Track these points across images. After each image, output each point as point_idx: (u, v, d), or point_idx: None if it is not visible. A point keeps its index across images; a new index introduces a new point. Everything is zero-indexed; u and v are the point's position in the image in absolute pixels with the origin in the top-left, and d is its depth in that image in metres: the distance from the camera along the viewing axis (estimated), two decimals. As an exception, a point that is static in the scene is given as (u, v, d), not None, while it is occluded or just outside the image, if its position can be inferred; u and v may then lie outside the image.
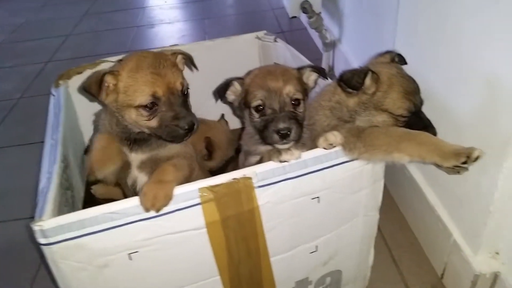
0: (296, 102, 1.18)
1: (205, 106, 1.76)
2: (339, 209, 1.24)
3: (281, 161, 1.08)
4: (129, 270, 1.09)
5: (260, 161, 1.14)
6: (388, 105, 1.15)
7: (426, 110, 1.20)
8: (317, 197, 1.17)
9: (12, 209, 2.03)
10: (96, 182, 1.43)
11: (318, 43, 3.01)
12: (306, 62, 1.50)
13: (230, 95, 1.28)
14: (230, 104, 1.35)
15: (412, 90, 1.15)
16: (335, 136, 1.10)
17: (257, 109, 1.18)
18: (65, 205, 1.18)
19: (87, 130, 1.71)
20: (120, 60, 1.29)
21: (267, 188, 1.09)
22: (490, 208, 1.26)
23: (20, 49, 3.74)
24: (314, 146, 1.13)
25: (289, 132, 1.12)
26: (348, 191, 1.21)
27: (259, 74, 1.23)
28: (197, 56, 1.77)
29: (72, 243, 0.99)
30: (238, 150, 1.53)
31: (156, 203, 1.00)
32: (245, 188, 1.07)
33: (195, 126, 1.21)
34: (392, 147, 1.05)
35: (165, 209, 1.01)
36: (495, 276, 1.34)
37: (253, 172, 1.06)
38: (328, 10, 2.74)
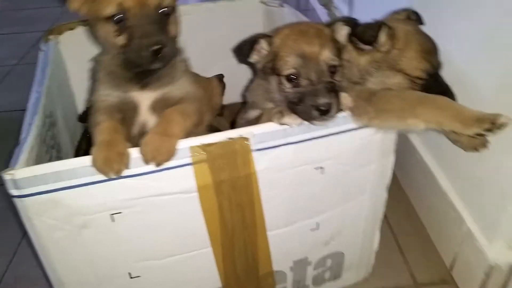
0: (333, 70, 1.02)
1: (204, 71, 1.66)
2: (344, 184, 1.13)
3: (281, 124, 0.97)
4: (111, 233, 1.00)
5: (259, 118, 1.04)
6: (404, 65, 1.04)
7: (444, 77, 1.10)
8: (321, 167, 1.07)
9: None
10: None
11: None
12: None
13: (254, 55, 1.11)
14: (250, 64, 1.18)
15: (430, 49, 1.05)
16: (344, 98, 1.00)
17: (289, 78, 1.03)
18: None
19: (79, 91, 1.62)
20: None
21: (265, 152, 0.99)
22: (510, 192, 1.15)
23: (19, 17, 3.68)
24: None
25: (329, 108, 0.96)
26: (355, 163, 1.10)
27: (290, 34, 1.05)
28: (196, 18, 1.69)
29: (47, 197, 0.90)
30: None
31: (157, 156, 0.91)
32: (242, 150, 0.97)
33: (165, 49, 1.01)
34: (407, 112, 0.95)
35: (152, 167, 0.92)
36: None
37: (251, 132, 0.96)
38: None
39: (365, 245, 1.32)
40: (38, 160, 0.99)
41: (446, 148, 1.38)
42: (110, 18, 1.02)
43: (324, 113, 0.96)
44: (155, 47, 1.00)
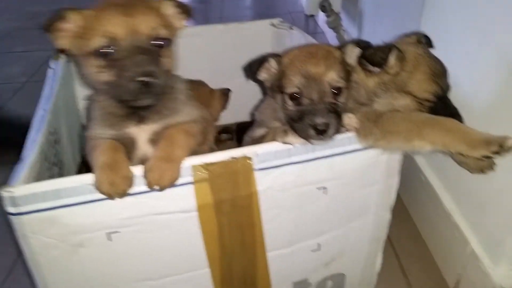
0: (337, 91, 1.01)
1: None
2: (347, 204, 1.11)
3: (285, 143, 0.96)
4: (108, 252, 0.97)
5: (264, 137, 1.02)
6: (413, 87, 1.02)
7: (452, 99, 1.08)
8: (324, 188, 1.05)
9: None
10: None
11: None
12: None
13: (263, 73, 1.12)
14: (259, 82, 1.18)
15: (440, 72, 1.04)
16: (350, 119, 0.99)
17: (292, 96, 1.02)
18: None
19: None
20: None
21: (268, 171, 0.97)
22: (516, 214, 1.13)
23: (33, 35, 3.67)
24: None
25: (326, 128, 0.95)
26: (359, 184, 1.08)
27: (299, 55, 1.06)
28: (208, 39, 1.71)
29: (44, 215, 0.87)
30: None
31: (161, 182, 0.89)
32: (244, 169, 0.95)
33: (155, 81, 0.91)
34: (413, 134, 0.93)
35: (152, 185, 0.90)
36: (517, 292, 1.21)
37: (254, 152, 0.95)
38: (347, 10, 2.64)
39: (367, 267, 1.29)
40: (39, 177, 0.96)
41: (451, 169, 1.36)
42: (97, 52, 0.93)
43: (321, 132, 0.95)
44: (144, 79, 0.90)
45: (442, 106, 1.02)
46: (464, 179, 1.34)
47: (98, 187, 0.87)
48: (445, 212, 1.44)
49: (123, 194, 0.88)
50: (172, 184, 0.90)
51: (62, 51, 1.06)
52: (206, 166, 0.92)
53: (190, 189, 0.93)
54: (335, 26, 2.45)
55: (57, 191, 0.86)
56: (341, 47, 1.07)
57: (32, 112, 1.15)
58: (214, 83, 1.68)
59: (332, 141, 0.98)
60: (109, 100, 1.03)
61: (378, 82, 1.06)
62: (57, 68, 1.44)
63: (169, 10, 1.06)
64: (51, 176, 1.12)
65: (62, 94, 1.35)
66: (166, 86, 0.98)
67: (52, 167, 1.15)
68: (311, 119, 0.96)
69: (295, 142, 0.97)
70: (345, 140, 1.00)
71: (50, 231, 0.90)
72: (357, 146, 1.01)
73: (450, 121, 0.93)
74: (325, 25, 3.02)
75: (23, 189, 0.85)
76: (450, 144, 0.90)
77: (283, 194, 1.02)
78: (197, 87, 1.52)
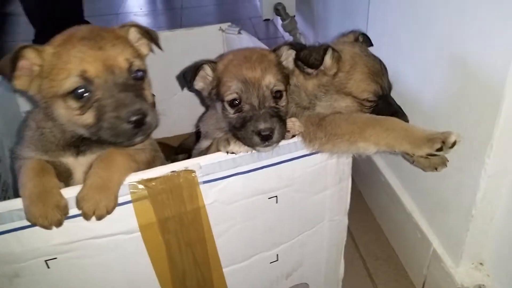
0: (277, 95, 0.99)
1: (163, 104, 1.60)
2: (300, 212, 1.08)
3: (228, 152, 0.92)
4: (47, 281, 0.91)
5: (208, 148, 0.99)
6: (352, 88, 1.00)
7: (396, 98, 1.07)
8: (275, 197, 1.02)
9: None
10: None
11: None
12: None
13: (199, 82, 1.07)
14: (197, 92, 1.13)
15: (378, 71, 1.02)
16: (293, 123, 0.96)
17: (232, 104, 0.99)
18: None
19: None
20: None
21: (214, 184, 0.93)
22: (472, 212, 1.12)
23: None
24: None
25: (271, 133, 0.92)
26: (310, 190, 1.05)
27: (233, 60, 1.02)
28: (154, 47, 1.64)
29: (-30, 247, 0.81)
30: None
31: (98, 212, 0.83)
32: (188, 183, 0.91)
33: (147, 119, 0.85)
34: (356, 135, 0.91)
35: (88, 207, 0.85)
36: (479, 290, 1.19)
37: (197, 164, 0.91)
38: (302, 13, 2.64)
39: (329, 274, 1.26)
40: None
41: (409, 169, 1.35)
42: (70, 93, 0.85)
43: (266, 138, 0.91)
44: (136, 118, 0.83)
45: (384, 106, 1.01)
46: (421, 178, 1.34)
47: (30, 219, 0.81)
48: (406, 213, 1.42)
49: (59, 223, 0.83)
50: (109, 213, 0.85)
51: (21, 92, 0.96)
52: (145, 182, 0.88)
53: (130, 208, 0.88)
54: (291, 29, 2.45)
55: (-18, 220, 0.80)
56: (275, 50, 1.05)
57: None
58: (164, 93, 1.61)
59: (277, 147, 0.95)
60: (54, 128, 0.95)
61: (318, 84, 1.03)
62: (-1, 85, 1.37)
63: (135, 36, 1.00)
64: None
65: (3, 112, 1.28)
66: (157, 119, 0.90)
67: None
68: (254, 125, 0.92)
69: (239, 150, 0.93)
70: (291, 146, 0.97)
71: (-21, 264, 0.84)
72: (304, 151, 0.98)
73: (392, 120, 0.91)
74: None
75: None
76: (393, 144, 0.88)
77: (232, 206, 0.98)
78: None
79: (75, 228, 0.86)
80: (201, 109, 1.60)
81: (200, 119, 1.22)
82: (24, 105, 1.49)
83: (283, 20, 2.39)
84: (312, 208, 1.09)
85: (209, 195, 0.94)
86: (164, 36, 1.66)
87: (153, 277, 0.99)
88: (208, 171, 0.92)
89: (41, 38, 1.02)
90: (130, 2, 4.44)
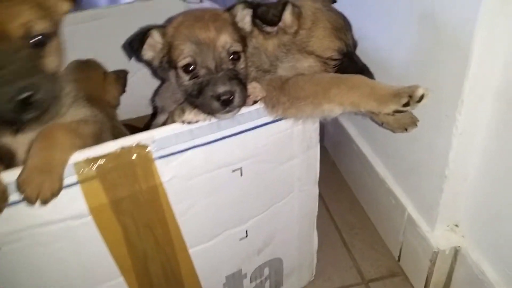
0: (235, 57, 0.91)
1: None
2: (268, 184, 1.02)
3: (184, 122, 0.85)
4: (-7, 275, 0.83)
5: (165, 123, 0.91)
6: (314, 46, 0.93)
7: (365, 58, 1.01)
8: (239, 169, 0.95)
9: None
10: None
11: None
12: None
13: (148, 51, 0.97)
14: (147, 63, 1.03)
15: (342, 27, 0.95)
16: (254, 88, 0.89)
17: (186, 69, 0.90)
18: None
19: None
20: None
21: (170, 158, 0.86)
22: (446, 172, 1.08)
23: None
24: None
25: (232, 97, 0.85)
26: (277, 160, 0.99)
27: (184, 21, 0.93)
28: (111, 22, 1.53)
29: None
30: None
31: (42, 197, 0.75)
32: (141, 159, 0.83)
33: (38, 95, 0.76)
34: (320, 97, 0.84)
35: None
36: (456, 252, 1.17)
37: (150, 138, 0.83)
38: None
39: (302, 246, 1.22)
40: None
41: (381, 135, 1.31)
42: None
43: (226, 103, 0.84)
44: (23, 96, 0.74)
45: (349, 64, 0.94)
46: (393, 143, 1.30)
47: None
48: (379, 180, 1.39)
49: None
50: (55, 196, 0.76)
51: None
52: (93, 161, 0.79)
53: (77, 190, 0.80)
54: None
55: None
56: (229, 9, 0.96)
57: None
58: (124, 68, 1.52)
59: (238, 115, 0.88)
60: None
61: (278, 44, 0.96)
62: None
63: None
64: None
65: None
66: (54, 92, 0.81)
67: None
68: (212, 89, 0.85)
69: (196, 119, 0.85)
70: (253, 113, 0.90)
71: None
72: (268, 119, 0.92)
73: (357, 78, 0.85)
74: None
75: None
76: (358, 102, 0.82)
77: (193, 182, 0.91)
78: (87, 71, 1.35)
79: (19, 215, 0.78)
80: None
81: (155, 93, 1.14)
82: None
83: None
84: (280, 179, 1.03)
85: (166, 171, 0.86)
86: (121, 9, 1.57)
87: (112, 263, 0.92)
88: (163, 144, 0.84)
89: None
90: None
